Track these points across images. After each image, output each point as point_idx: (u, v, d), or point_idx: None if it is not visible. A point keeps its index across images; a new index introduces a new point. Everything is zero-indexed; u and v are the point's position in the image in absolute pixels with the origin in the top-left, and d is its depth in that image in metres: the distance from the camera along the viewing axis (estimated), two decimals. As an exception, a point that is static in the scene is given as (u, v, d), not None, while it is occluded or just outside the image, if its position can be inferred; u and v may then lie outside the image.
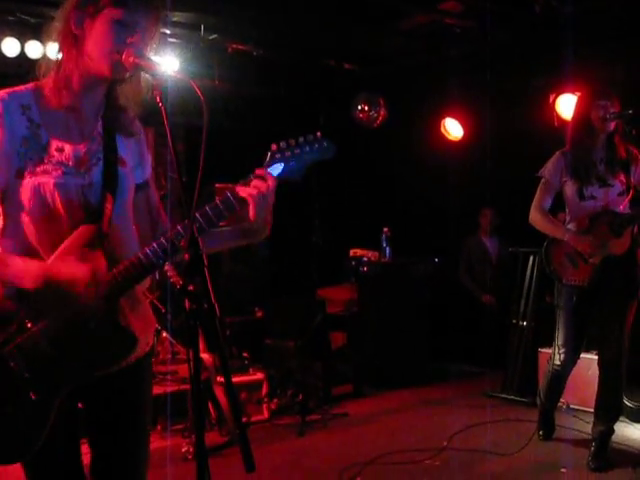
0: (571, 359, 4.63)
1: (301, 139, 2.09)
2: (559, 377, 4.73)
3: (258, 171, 2.06)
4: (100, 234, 2.04)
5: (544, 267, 4.69)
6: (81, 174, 2.06)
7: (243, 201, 2.04)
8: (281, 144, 2.08)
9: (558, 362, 4.64)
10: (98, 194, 2.07)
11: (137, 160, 2.22)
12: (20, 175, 1.99)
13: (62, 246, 1.99)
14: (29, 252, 2.01)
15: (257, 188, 2.03)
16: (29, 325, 1.97)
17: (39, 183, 1.99)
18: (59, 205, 2.01)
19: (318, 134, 2.12)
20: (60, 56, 2.06)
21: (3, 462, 2.05)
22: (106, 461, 2.20)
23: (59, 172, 2.02)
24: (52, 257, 1.98)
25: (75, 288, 1.95)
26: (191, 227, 1.80)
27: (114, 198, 2.08)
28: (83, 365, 2.04)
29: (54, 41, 2.09)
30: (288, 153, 2.07)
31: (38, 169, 2.00)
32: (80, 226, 2.01)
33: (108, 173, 2.09)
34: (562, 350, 4.59)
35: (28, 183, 1.99)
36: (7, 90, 2.03)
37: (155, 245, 2.01)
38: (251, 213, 2.05)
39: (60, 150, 2.04)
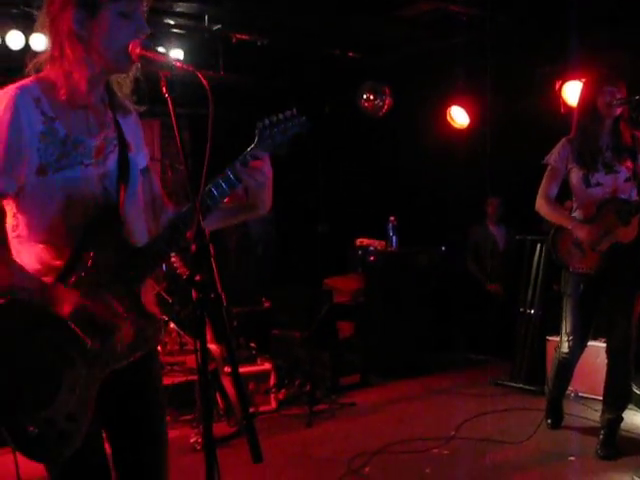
0: (578, 347, 4.62)
1: (281, 116, 2.25)
2: (567, 365, 4.72)
3: (253, 151, 2.18)
4: (119, 222, 2.06)
5: (551, 255, 4.67)
6: (99, 163, 2.07)
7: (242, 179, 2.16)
8: (266, 121, 2.22)
9: (566, 350, 4.63)
10: (114, 182, 2.09)
11: (138, 142, 2.24)
12: (42, 172, 1.97)
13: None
14: (47, 248, 2.00)
15: (256, 167, 2.17)
16: None
17: (63, 178, 1.99)
18: (82, 197, 2.02)
19: (294, 110, 2.29)
20: (62, 55, 2.02)
21: (49, 459, 2.02)
22: (129, 455, 2.22)
23: (81, 164, 2.03)
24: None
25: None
26: (197, 218, 1.80)
27: (126, 185, 2.10)
28: (124, 348, 2.06)
29: (51, 41, 2.05)
30: (275, 129, 2.23)
31: (60, 164, 1.99)
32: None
33: (121, 159, 2.12)
34: (569, 338, 4.58)
35: (52, 178, 1.98)
36: (16, 85, 2.00)
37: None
38: (253, 191, 2.22)
39: (80, 142, 2.04)
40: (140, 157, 2.23)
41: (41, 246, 2.01)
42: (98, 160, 2.07)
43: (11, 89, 1.98)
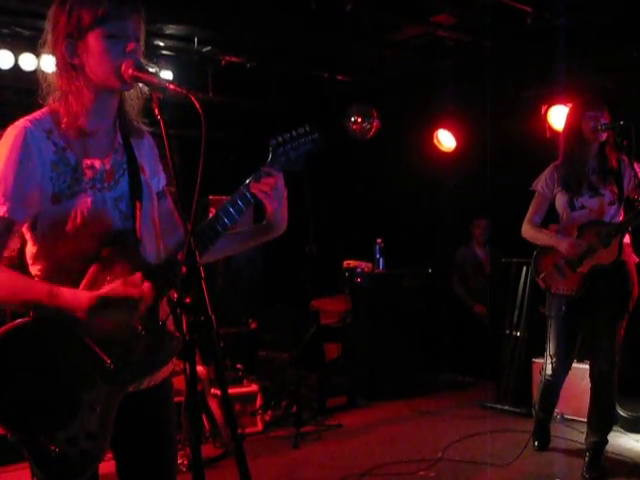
0: (562, 368, 4.64)
1: (294, 132, 2.28)
2: (552, 387, 4.74)
3: (265, 168, 2.21)
4: (136, 241, 2.08)
5: (533, 277, 4.72)
6: (111, 187, 2.09)
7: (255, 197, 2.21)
8: (279, 139, 2.25)
9: (550, 372, 4.65)
10: (128, 204, 2.11)
11: (152, 168, 2.26)
12: (57, 200, 2.00)
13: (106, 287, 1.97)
14: (63, 272, 2.02)
15: (269, 184, 2.19)
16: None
17: (77, 203, 2.01)
18: (97, 221, 2.03)
19: (307, 127, 2.31)
20: (61, 86, 2.06)
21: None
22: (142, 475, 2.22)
23: (94, 189, 2.05)
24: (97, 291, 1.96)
25: (129, 306, 1.97)
26: (188, 240, 1.81)
27: (141, 206, 2.13)
28: (143, 365, 2.07)
29: (57, 75, 2.09)
30: (288, 146, 2.26)
31: (73, 190, 2.02)
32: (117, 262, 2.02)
33: (134, 181, 2.14)
34: (553, 360, 4.61)
35: (66, 206, 2.01)
36: (28, 118, 2.04)
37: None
38: (268, 208, 2.25)
39: (90, 168, 2.07)
40: (154, 181, 2.25)
41: (54, 270, 2.03)
42: (110, 184, 2.09)
43: (22, 122, 2.03)
